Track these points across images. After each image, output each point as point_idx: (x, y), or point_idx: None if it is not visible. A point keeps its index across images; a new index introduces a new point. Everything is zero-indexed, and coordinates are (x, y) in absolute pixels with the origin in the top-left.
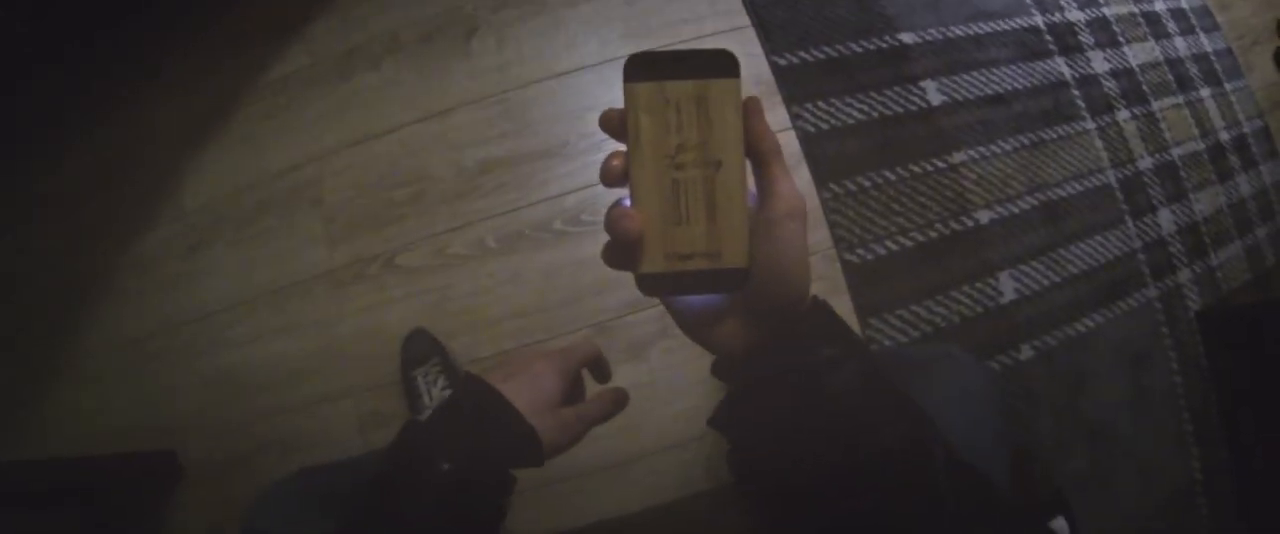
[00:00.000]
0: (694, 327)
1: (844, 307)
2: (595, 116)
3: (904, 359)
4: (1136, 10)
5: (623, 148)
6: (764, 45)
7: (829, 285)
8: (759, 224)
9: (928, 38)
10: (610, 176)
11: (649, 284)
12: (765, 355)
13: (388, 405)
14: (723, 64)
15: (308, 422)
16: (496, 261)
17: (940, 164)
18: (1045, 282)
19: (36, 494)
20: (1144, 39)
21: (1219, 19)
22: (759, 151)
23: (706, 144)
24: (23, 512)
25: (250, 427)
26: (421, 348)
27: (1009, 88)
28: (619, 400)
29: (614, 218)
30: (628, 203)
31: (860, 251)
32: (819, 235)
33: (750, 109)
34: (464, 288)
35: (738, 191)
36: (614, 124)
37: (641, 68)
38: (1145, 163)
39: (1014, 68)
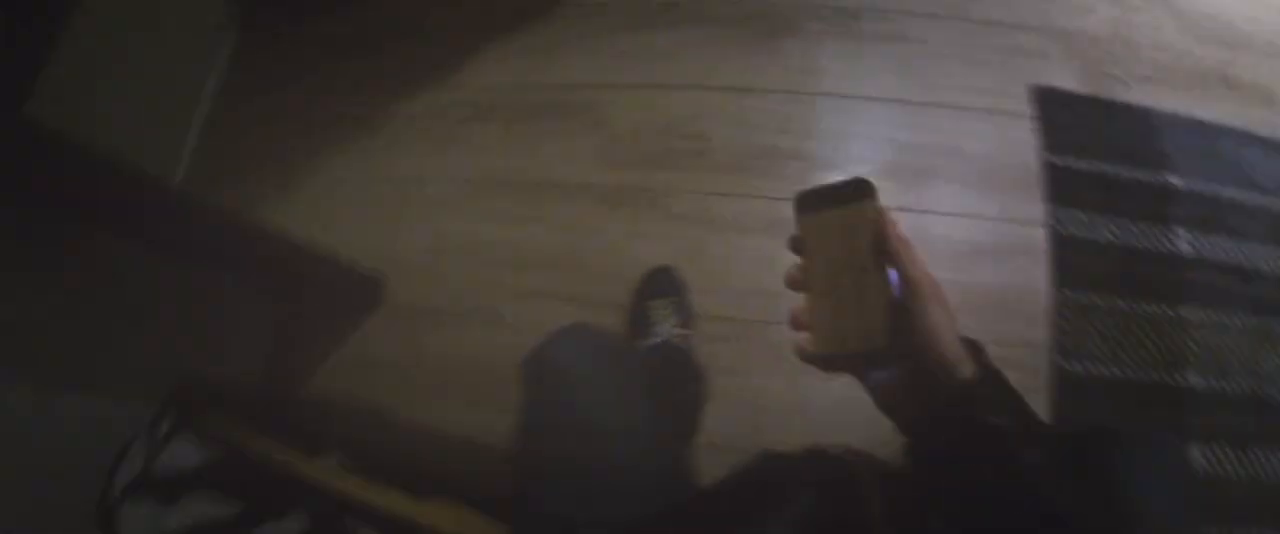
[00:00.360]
0: (878, 400)
1: (1041, 406)
2: (868, 144)
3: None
4: None
5: (800, 261)
6: (1041, 140)
7: (1032, 380)
8: (905, 310)
9: (1195, 188)
10: (791, 284)
11: (821, 364)
12: (931, 424)
13: (601, 321)
14: (863, 190)
15: (522, 307)
16: (754, 239)
17: (1170, 313)
18: (1233, 472)
19: (254, 261)
20: None
21: None
22: (892, 252)
23: (855, 254)
24: (235, 272)
25: (461, 292)
26: (664, 283)
27: (1257, 267)
28: None
29: (792, 333)
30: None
31: (1073, 362)
32: (1038, 333)
33: (883, 221)
34: (717, 251)
35: (879, 288)
36: (794, 245)
37: (805, 203)
38: None
39: (1267, 248)
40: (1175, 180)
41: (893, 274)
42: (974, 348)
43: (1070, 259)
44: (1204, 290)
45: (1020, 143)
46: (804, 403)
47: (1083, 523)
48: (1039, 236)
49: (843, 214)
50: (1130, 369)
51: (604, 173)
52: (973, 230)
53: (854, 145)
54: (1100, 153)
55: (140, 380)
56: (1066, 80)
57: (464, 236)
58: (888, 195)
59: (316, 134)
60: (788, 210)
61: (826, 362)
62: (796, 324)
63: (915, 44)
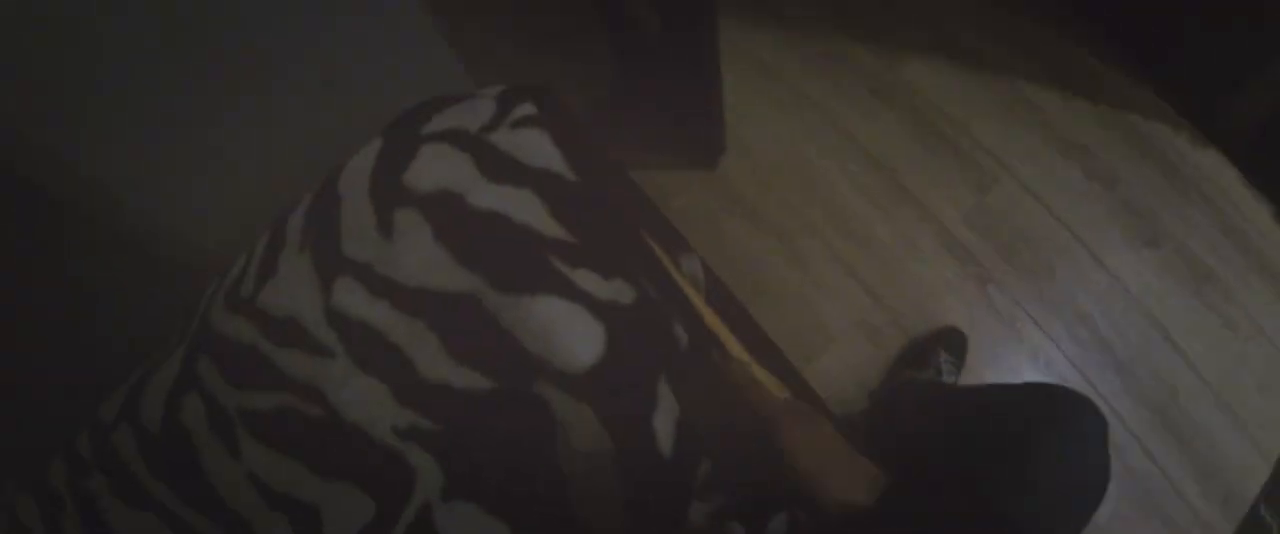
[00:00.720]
0: None
1: None
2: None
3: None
4: None
5: None
6: None
7: None
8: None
9: None
10: None
11: None
12: None
13: (879, 327)
14: None
15: (816, 258)
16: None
17: None
18: None
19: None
20: None
21: None
22: None
23: None
24: None
25: (774, 207)
26: (958, 345)
27: None
28: None
29: None
30: None
31: None
32: None
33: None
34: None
35: None
36: None
37: None
38: None
39: None
40: None
41: None
42: None
43: None
44: None
45: None
46: None
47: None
48: None
49: None
50: None
51: (961, 226)
52: None
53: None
54: None
55: None
56: None
57: (818, 175)
58: None
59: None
60: None
61: None
62: None
63: None
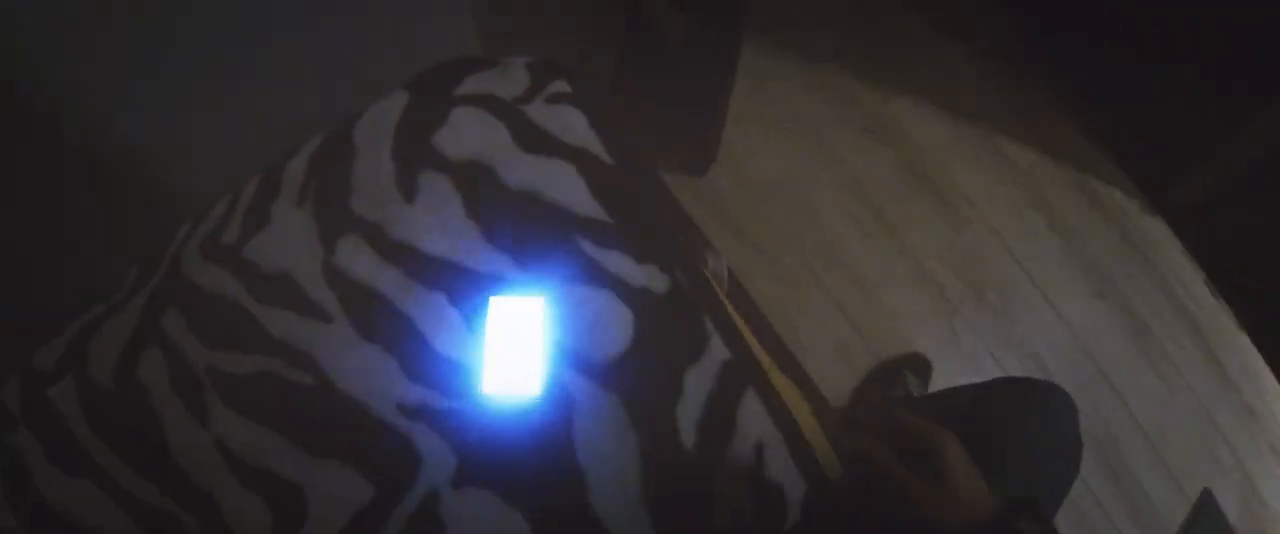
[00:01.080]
0: None
1: None
2: None
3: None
4: None
5: None
6: None
7: None
8: None
9: None
10: None
11: None
12: None
13: (851, 347)
14: None
15: (801, 278)
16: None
17: None
18: None
19: None
20: None
21: None
22: None
23: None
24: None
25: (766, 229)
26: (923, 370)
27: None
28: None
29: None
30: None
31: None
32: None
33: None
34: (957, 367)
35: None
36: None
37: None
38: None
39: None
40: None
41: None
42: None
43: None
44: None
45: None
46: None
47: None
48: None
49: None
50: None
51: (935, 262)
52: None
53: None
54: None
55: None
56: None
57: (807, 198)
58: None
59: None
60: None
61: None
62: None
63: None
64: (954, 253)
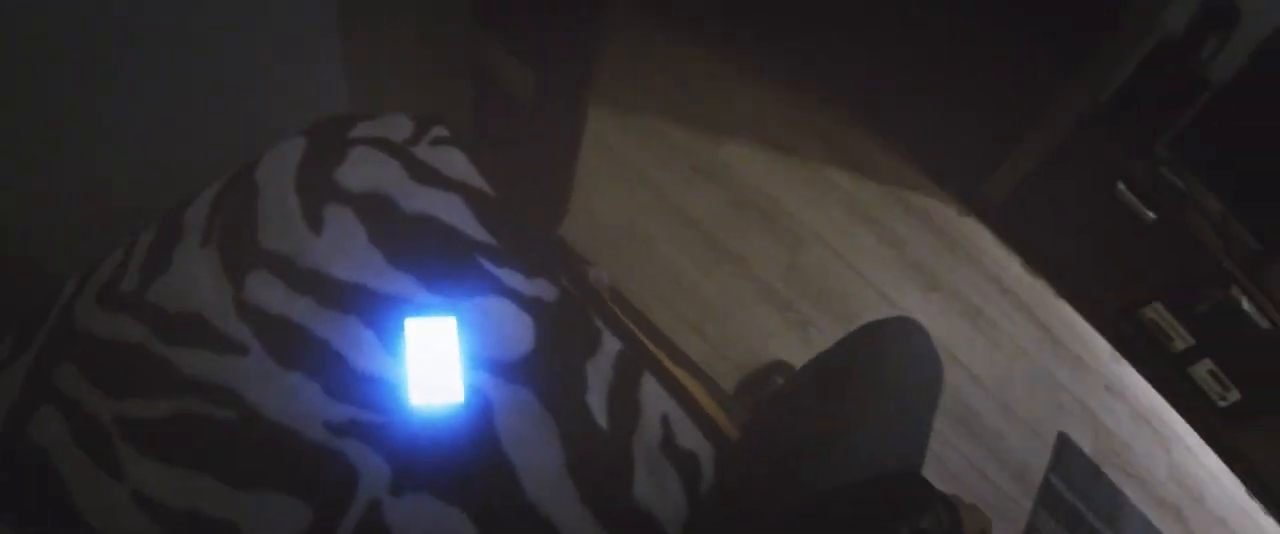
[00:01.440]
0: None
1: None
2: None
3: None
4: None
5: None
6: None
7: None
8: None
9: None
10: None
11: None
12: None
13: (713, 364)
14: None
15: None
16: None
17: None
18: None
19: None
20: None
21: None
22: None
23: None
24: None
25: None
26: (787, 371)
27: None
28: None
29: None
30: None
31: None
32: None
33: None
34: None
35: None
36: None
37: None
38: None
39: None
40: None
41: None
42: None
43: None
44: None
45: None
46: None
47: None
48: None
49: None
50: None
51: (778, 281)
52: None
53: None
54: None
55: None
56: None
57: (647, 237)
58: None
59: None
60: None
61: None
62: None
63: None
64: (795, 272)
